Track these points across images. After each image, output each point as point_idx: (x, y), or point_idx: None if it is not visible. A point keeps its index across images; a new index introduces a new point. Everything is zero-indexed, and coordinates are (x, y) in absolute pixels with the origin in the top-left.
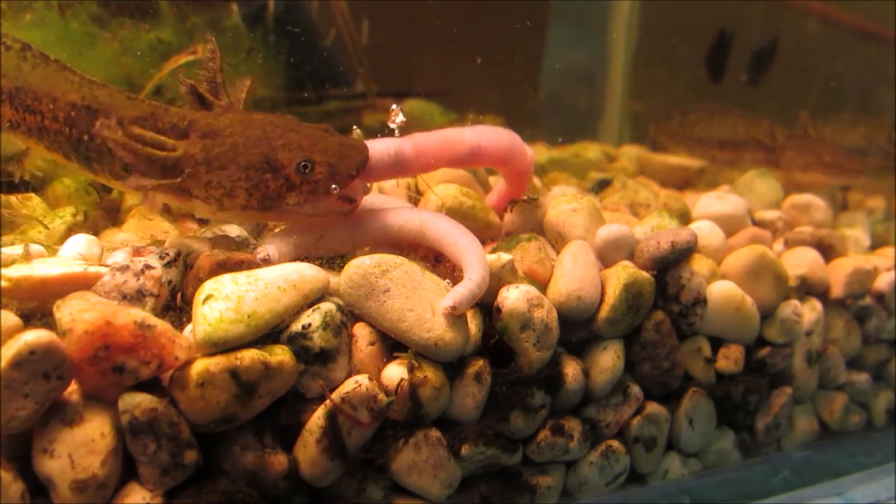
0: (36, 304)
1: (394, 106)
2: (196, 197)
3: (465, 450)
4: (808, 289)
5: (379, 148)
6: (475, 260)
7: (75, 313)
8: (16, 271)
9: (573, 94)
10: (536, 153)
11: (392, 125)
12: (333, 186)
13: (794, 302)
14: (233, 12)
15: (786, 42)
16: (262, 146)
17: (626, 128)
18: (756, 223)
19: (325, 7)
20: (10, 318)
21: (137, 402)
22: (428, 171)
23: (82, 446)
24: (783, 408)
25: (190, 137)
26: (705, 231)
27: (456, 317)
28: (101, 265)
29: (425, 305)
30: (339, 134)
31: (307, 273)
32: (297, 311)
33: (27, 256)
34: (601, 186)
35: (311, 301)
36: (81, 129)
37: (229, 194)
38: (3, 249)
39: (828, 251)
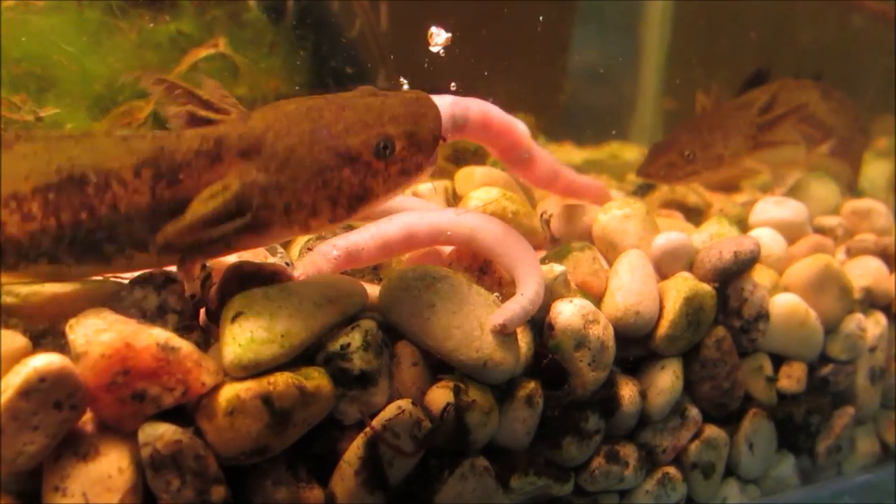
0: (47, 323)
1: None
2: (274, 227)
3: (514, 480)
4: (871, 301)
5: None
6: (530, 272)
7: (90, 334)
8: (24, 286)
9: (603, 92)
10: (566, 153)
11: None
12: (421, 159)
13: (859, 316)
14: (253, 6)
15: (832, 38)
16: (324, 138)
17: (659, 127)
18: (815, 230)
19: (347, 2)
20: (17, 340)
21: (160, 433)
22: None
23: (98, 483)
24: (845, 429)
25: (224, 161)
26: (766, 239)
27: (506, 335)
28: (118, 278)
29: (473, 322)
30: (390, 91)
31: (345, 287)
32: (335, 328)
33: None
34: (644, 190)
35: (350, 317)
36: (75, 209)
37: (314, 212)
38: None
39: (891, 261)
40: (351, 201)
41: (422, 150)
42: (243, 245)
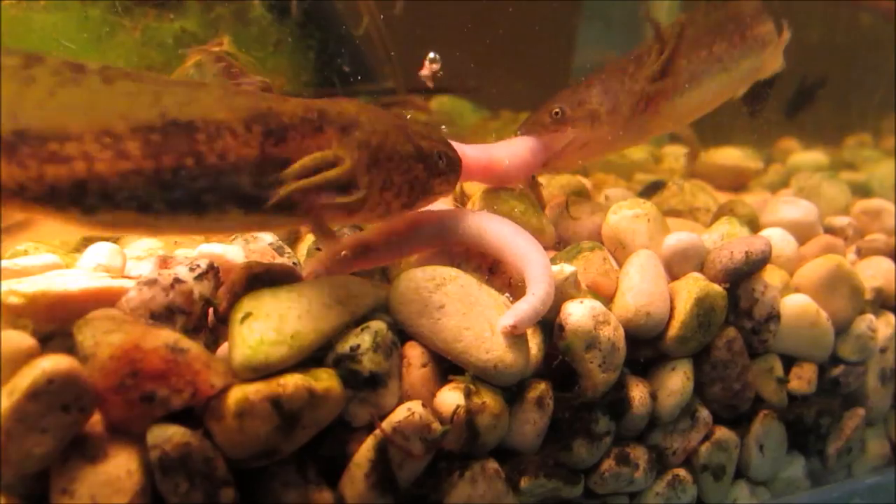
0: (55, 325)
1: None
2: (367, 203)
3: (524, 483)
4: (882, 302)
5: None
6: (540, 272)
7: (98, 336)
8: (31, 286)
9: None
10: None
11: None
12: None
13: (870, 316)
14: (258, 4)
15: (841, 37)
16: (407, 133)
17: None
18: (825, 230)
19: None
20: (25, 341)
21: (168, 435)
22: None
23: (106, 486)
24: (855, 430)
25: (326, 132)
26: (777, 239)
27: (516, 336)
28: (126, 277)
29: (483, 323)
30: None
31: (354, 288)
32: (344, 330)
33: None
34: (652, 189)
35: (359, 319)
36: (181, 154)
37: (398, 193)
38: (15, 260)
39: None
40: (417, 193)
41: (454, 172)
42: (331, 221)
